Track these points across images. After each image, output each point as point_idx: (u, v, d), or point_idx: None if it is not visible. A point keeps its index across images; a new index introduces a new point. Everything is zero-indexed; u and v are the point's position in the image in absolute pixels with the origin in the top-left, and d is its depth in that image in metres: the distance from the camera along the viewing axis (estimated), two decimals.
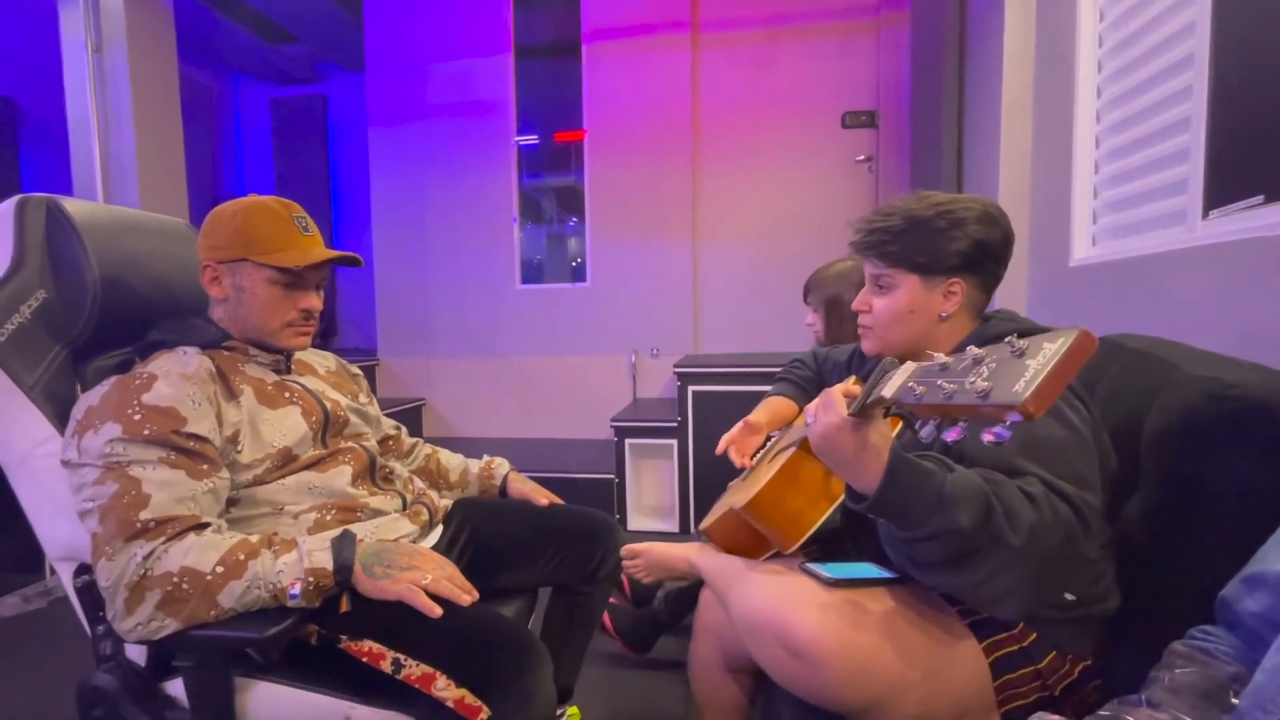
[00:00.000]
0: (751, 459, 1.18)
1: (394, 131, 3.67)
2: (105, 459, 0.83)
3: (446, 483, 1.37)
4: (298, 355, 1.16)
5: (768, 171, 3.32)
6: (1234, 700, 0.57)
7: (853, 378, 0.88)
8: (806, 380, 1.36)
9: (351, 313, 4.42)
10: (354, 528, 0.98)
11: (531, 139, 3.58)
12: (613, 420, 2.85)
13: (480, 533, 1.23)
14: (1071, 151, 1.69)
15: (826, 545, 1.07)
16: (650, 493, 2.88)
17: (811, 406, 0.78)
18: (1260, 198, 1.08)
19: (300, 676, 0.89)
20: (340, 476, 1.04)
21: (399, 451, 1.33)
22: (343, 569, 0.85)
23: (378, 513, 1.05)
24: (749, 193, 3.34)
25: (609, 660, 1.75)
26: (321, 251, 1.03)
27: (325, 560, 0.85)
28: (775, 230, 3.32)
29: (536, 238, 3.72)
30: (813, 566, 0.91)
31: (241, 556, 0.82)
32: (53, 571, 2.21)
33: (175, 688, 0.90)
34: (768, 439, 1.23)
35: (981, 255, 0.91)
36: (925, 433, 0.60)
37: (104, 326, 1.01)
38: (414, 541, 1.07)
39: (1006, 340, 0.55)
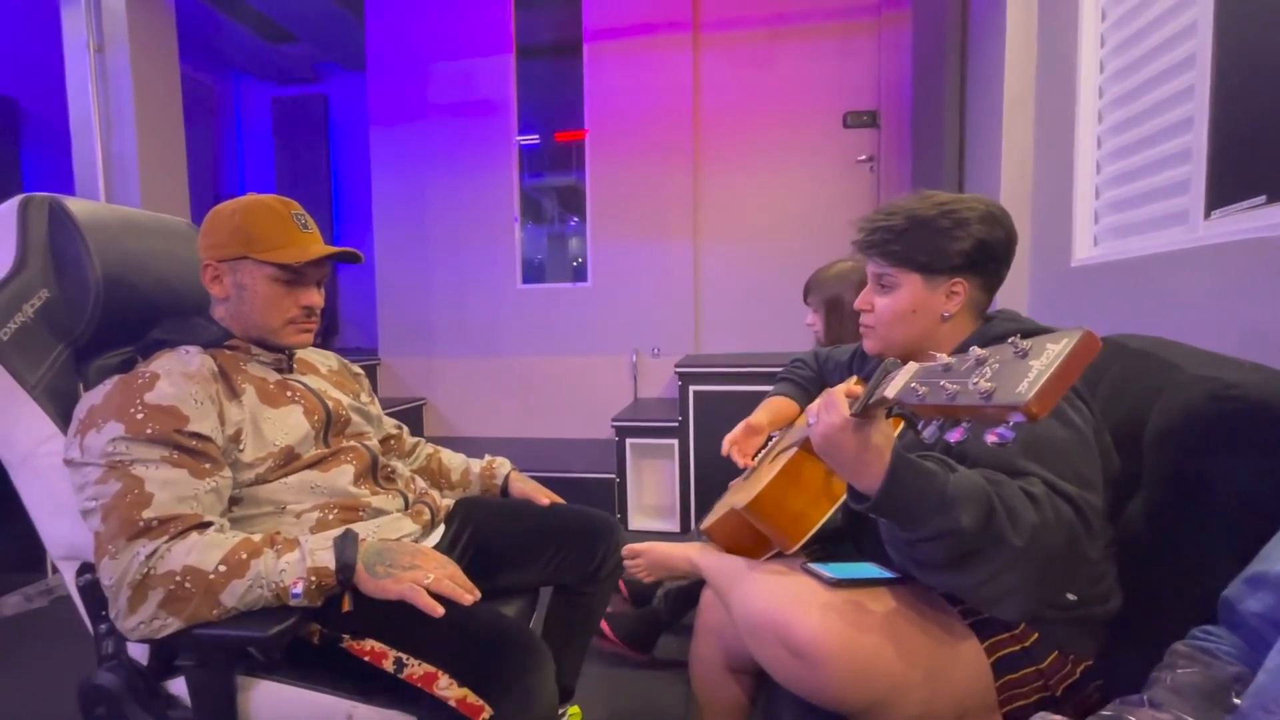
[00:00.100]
0: (753, 459, 1.18)
1: (395, 131, 3.67)
2: (108, 458, 0.83)
3: (448, 482, 1.37)
4: (299, 354, 1.16)
5: (769, 171, 3.31)
6: (1236, 701, 0.57)
7: (854, 378, 0.88)
8: (808, 380, 1.36)
9: (353, 312, 4.42)
10: (356, 527, 0.98)
11: (533, 139, 3.58)
12: (614, 420, 2.85)
13: (482, 532, 1.23)
14: (1073, 151, 1.69)
15: (828, 545, 1.07)
16: (651, 492, 2.88)
17: (814, 407, 0.78)
18: (1262, 198, 1.08)
19: (302, 675, 0.90)
20: (342, 476, 1.04)
21: (401, 451, 1.34)
22: (345, 568, 0.85)
23: (380, 512, 1.06)
24: (750, 193, 3.34)
25: (610, 660, 1.75)
26: (321, 248, 1.04)
27: (328, 559, 0.85)
28: (776, 230, 3.32)
29: (538, 237, 3.72)
30: (814, 566, 0.91)
31: (244, 555, 0.83)
32: (54, 570, 2.22)
33: (177, 686, 0.90)
34: (769, 439, 1.23)
35: (984, 255, 0.91)
36: (928, 433, 0.60)
37: (106, 326, 1.01)
38: (416, 541, 1.07)
39: (1010, 341, 0.55)
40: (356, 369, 1.29)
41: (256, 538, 0.86)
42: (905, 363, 0.68)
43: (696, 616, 1.16)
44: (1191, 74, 1.26)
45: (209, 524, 0.86)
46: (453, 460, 1.40)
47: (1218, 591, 0.65)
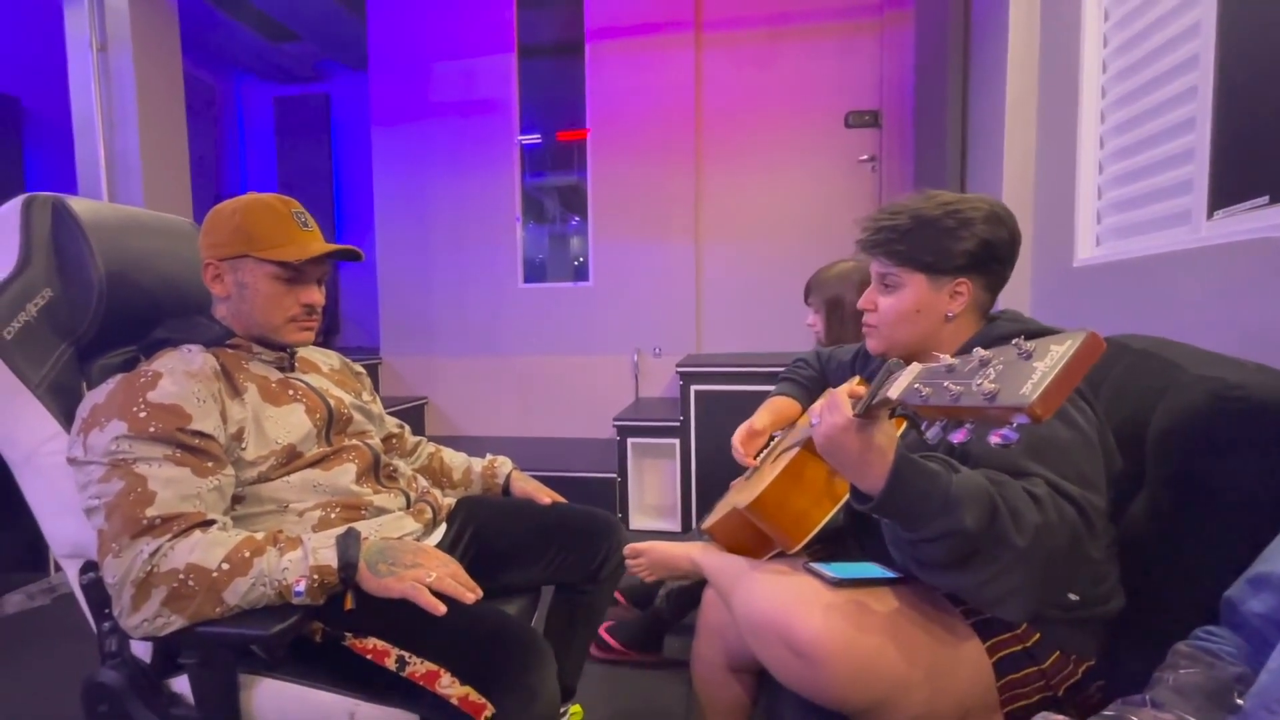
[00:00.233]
0: (755, 458, 1.18)
1: (397, 130, 3.67)
2: (111, 456, 0.83)
3: (450, 481, 1.37)
4: (301, 353, 1.16)
5: (770, 171, 3.31)
6: (1239, 701, 0.57)
7: (857, 378, 0.88)
8: (810, 380, 1.36)
9: (354, 311, 4.43)
10: (358, 526, 0.98)
11: (534, 138, 3.58)
12: (615, 419, 2.85)
13: (483, 531, 1.23)
14: (1076, 151, 1.69)
15: (830, 545, 1.07)
16: (652, 492, 2.88)
17: (816, 407, 0.78)
18: (1265, 198, 1.08)
19: (305, 674, 0.90)
20: (344, 474, 1.04)
21: (402, 450, 1.34)
22: (347, 566, 0.85)
23: (382, 511, 1.06)
24: (752, 192, 3.34)
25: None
26: (321, 245, 1.04)
27: (330, 558, 0.85)
28: (778, 230, 3.32)
29: (539, 237, 3.72)
30: (816, 566, 0.91)
31: (247, 554, 0.83)
32: (57, 568, 2.22)
33: (180, 684, 0.91)
34: (771, 438, 1.23)
35: (989, 255, 0.91)
36: (931, 434, 0.60)
37: (109, 324, 1.02)
38: (418, 540, 1.07)
39: (1014, 342, 0.55)
40: (358, 368, 1.29)
41: (259, 536, 0.86)
42: (908, 363, 0.68)
43: (698, 616, 1.17)
44: (1194, 74, 1.25)
45: (212, 522, 0.86)
46: (454, 459, 1.40)
47: (1220, 592, 0.65)
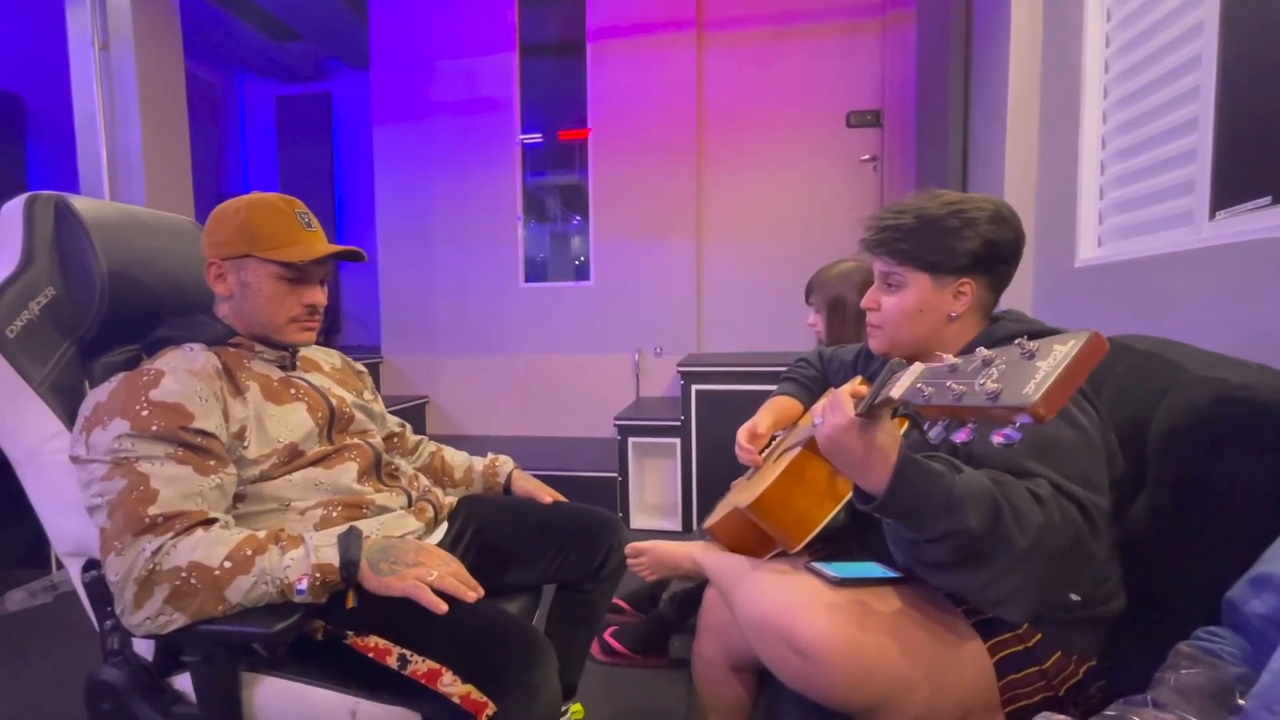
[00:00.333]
0: (758, 457, 1.18)
1: (399, 129, 3.67)
2: (113, 455, 0.83)
3: (451, 480, 1.37)
4: (303, 352, 1.16)
5: (772, 171, 3.31)
6: (1240, 701, 0.57)
7: (859, 378, 0.88)
8: (812, 380, 1.36)
9: (356, 310, 4.43)
10: (360, 524, 0.98)
11: (536, 137, 3.58)
12: (616, 419, 2.85)
13: (485, 530, 1.23)
14: (1078, 152, 1.69)
15: (831, 544, 1.07)
16: (653, 491, 2.89)
17: (818, 407, 0.78)
18: (1268, 199, 1.08)
19: (307, 672, 0.90)
20: (346, 473, 1.04)
21: (404, 449, 1.34)
22: (349, 565, 0.86)
23: (383, 509, 1.06)
24: (753, 192, 3.34)
25: None
26: (324, 246, 1.04)
27: (332, 556, 0.86)
28: (779, 230, 3.32)
29: (540, 236, 3.72)
30: (818, 566, 0.91)
31: (249, 552, 0.83)
32: (59, 566, 2.22)
33: (183, 682, 0.91)
34: (773, 438, 1.23)
35: (992, 255, 0.91)
36: (934, 434, 0.60)
37: (111, 323, 1.02)
38: (419, 538, 1.07)
39: (1017, 342, 0.55)
40: (360, 367, 1.29)
41: (261, 534, 0.86)
42: (911, 363, 0.68)
43: (699, 615, 1.17)
44: (1197, 74, 1.25)
45: (214, 520, 0.86)
46: (455, 458, 1.40)
47: (1222, 593, 0.65)
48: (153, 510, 0.82)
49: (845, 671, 0.78)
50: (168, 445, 0.85)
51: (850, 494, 0.87)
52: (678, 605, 1.71)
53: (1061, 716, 0.62)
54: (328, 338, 4.30)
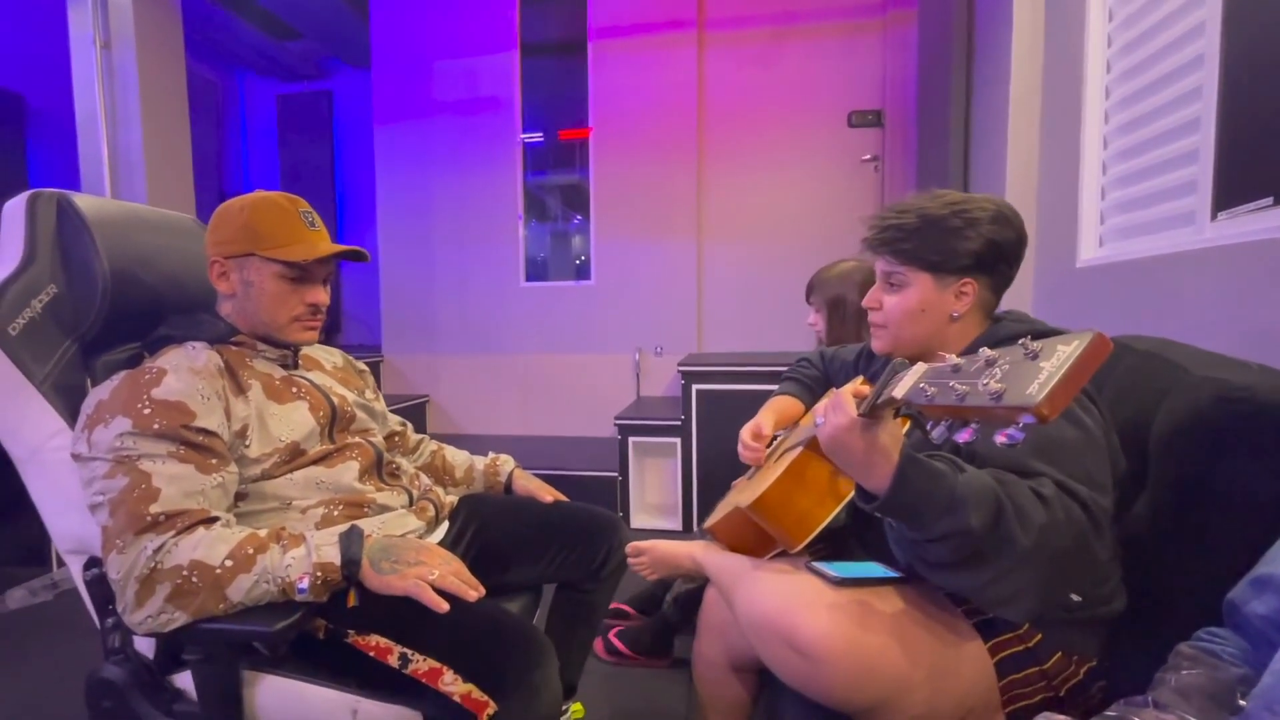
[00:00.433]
0: (763, 456, 1.18)
1: (400, 128, 3.67)
2: (115, 453, 0.83)
3: (452, 479, 1.37)
4: (305, 351, 1.16)
5: (773, 170, 3.31)
6: (1241, 702, 0.57)
7: (860, 378, 0.88)
8: (813, 380, 1.36)
9: (356, 309, 4.43)
10: (361, 523, 0.98)
11: (537, 136, 3.58)
12: (616, 418, 2.85)
13: (486, 529, 1.23)
14: (1079, 152, 1.69)
15: (832, 544, 1.07)
16: (653, 491, 2.89)
17: (820, 406, 0.78)
18: (1270, 199, 1.08)
19: (308, 670, 0.90)
20: (347, 472, 1.04)
21: (405, 448, 1.34)
22: (350, 564, 0.86)
23: (384, 508, 1.06)
24: (754, 191, 3.34)
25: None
26: (328, 246, 1.04)
27: (333, 555, 0.86)
28: (780, 229, 3.32)
29: (541, 235, 3.72)
30: (819, 565, 0.91)
31: (250, 550, 0.83)
32: (60, 564, 2.22)
33: (184, 680, 0.91)
34: (774, 438, 1.23)
35: (995, 255, 0.91)
36: (937, 434, 0.60)
37: (113, 321, 1.02)
38: (420, 537, 1.07)
39: (1020, 342, 0.55)
40: (361, 366, 1.29)
41: (263, 533, 0.87)
42: (913, 363, 0.68)
43: (700, 614, 1.17)
44: (1199, 74, 1.25)
45: (215, 519, 0.86)
46: (456, 457, 1.40)
47: (1223, 593, 0.65)
48: (154, 508, 0.82)
49: (846, 671, 0.78)
50: (170, 443, 0.85)
51: (851, 494, 0.87)
52: (681, 606, 1.71)
53: (1062, 717, 0.62)
54: (328, 336, 4.30)
